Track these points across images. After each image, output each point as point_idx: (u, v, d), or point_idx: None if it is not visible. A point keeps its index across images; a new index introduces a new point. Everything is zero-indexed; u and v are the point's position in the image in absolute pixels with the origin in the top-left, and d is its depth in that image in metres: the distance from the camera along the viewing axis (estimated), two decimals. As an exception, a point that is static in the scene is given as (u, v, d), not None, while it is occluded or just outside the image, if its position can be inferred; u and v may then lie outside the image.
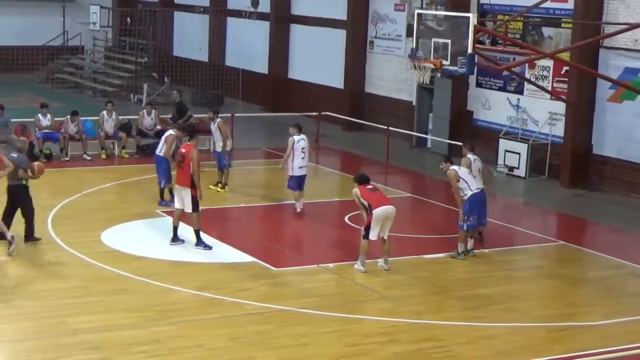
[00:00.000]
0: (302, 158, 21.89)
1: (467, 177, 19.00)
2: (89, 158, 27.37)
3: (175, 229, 19.03)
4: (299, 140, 21.83)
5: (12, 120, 27.19)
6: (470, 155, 20.42)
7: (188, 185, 18.73)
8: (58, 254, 18.17)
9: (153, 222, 20.72)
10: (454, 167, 19.14)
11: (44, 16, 49.17)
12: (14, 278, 16.76)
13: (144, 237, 19.63)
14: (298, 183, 22.01)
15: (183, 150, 19.11)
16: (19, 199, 18.53)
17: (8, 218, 18.58)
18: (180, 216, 19.00)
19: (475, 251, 19.09)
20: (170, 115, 29.43)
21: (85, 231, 19.53)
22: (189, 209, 18.77)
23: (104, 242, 18.99)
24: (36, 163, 18.79)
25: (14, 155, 18.46)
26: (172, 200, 20.32)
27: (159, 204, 22.00)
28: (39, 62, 45.90)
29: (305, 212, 22.18)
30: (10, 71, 44.64)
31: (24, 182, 18.43)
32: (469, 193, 18.79)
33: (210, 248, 18.81)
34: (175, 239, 19.02)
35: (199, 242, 18.86)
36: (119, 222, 20.45)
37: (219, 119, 24.09)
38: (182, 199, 18.84)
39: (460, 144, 25.71)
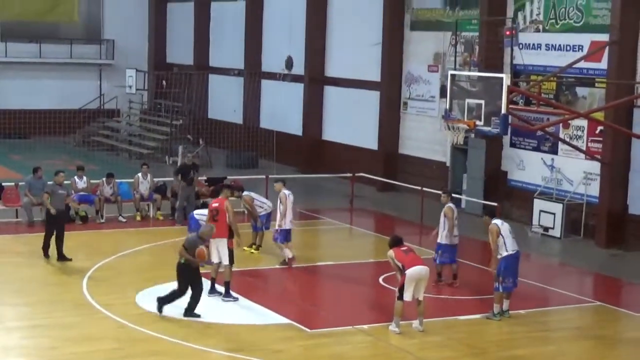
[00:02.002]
0: (292, 211, 22.70)
1: (507, 236, 18.68)
2: (124, 220, 27.54)
3: (213, 280, 19.49)
4: (289, 195, 22.43)
5: (49, 182, 27.43)
6: (451, 204, 20.66)
7: (225, 237, 19.26)
8: (93, 315, 18.22)
9: (188, 284, 20.75)
10: (497, 221, 18.86)
11: (81, 80, 49.89)
12: (49, 340, 16.81)
13: (179, 299, 19.63)
14: (287, 236, 22.57)
15: (215, 204, 19.64)
16: (177, 275, 18.38)
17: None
18: (217, 270, 19.44)
19: (510, 312, 18.93)
20: (204, 178, 29.60)
21: (120, 293, 19.59)
22: (225, 260, 19.21)
23: (139, 304, 19.02)
24: (200, 247, 18.10)
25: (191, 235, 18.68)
26: (208, 261, 20.41)
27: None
28: (76, 125, 46.48)
29: (339, 272, 22.28)
30: (47, 134, 45.17)
31: (182, 261, 18.16)
32: (504, 254, 18.55)
33: (237, 299, 19.23)
34: (213, 290, 19.43)
35: (227, 294, 19.30)
36: (154, 284, 20.46)
37: (244, 194, 24.16)
38: (219, 252, 19.28)
39: (495, 204, 25.78)
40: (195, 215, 22.30)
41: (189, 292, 18.11)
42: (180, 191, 27.62)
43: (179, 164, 36.57)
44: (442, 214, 21.30)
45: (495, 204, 25.68)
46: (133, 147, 43.46)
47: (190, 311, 18.15)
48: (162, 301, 18.22)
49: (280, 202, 22.40)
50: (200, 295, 18.18)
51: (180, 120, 43.52)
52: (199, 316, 18.06)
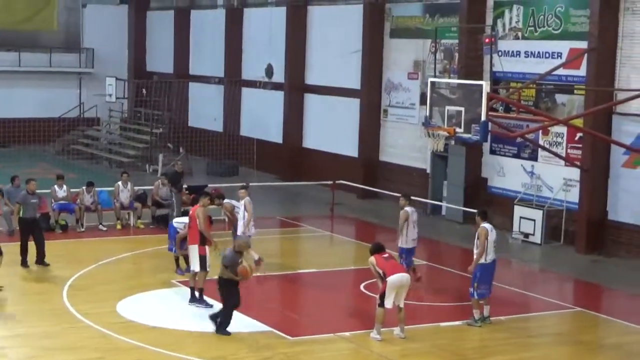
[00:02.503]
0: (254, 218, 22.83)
1: (491, 244, 18.73)
2: (105, 229, 27.46)
3: (192, 289, 19.58)
4: (251, 202, 22.60)
5: (22, 192, 27.30)
6: (408, 208, 21.10)
7: (196, 243, 19.36)
8: (74, 325, 18.15)
9: (169, 292, 20.71)
10: (487, 225, 18.83)
11: (61, 88, 49.72)
12: (29, 350, 16.74)
13: (160, 308, 19.61)
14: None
15: (191, 211, 19.92)
16: (221, 291, 17.97)
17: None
18: (195, 277, 19.54)
19: (491, 318, 18.97)
20: (185, 186, 29.56)
21: (101, 302, 19.53)
22: (196, 267, 19.29)
23: (120, 312, 18.96)
24: (242, 265, 17.69)
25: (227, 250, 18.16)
26: (188, 269, 20.42)
27: (176, 273, 22.03)
28: (55, 133, 46.32)
29: (320, 280, 22.33)
30: (27, 143, 45.00)
31: (224, 276, 17.66)
32: (482, 261, 18.64)
33: (211, 306, 18.99)
34: (193, 299, 19.48)
35: (201, 300, 19.31)
36: (135, 293, 20.44)
37: (224, 202, 24.16)
38: (193, 258, 19.44)
39: (476, 210, 25.82)
40: (174, 224, 22.26)
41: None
42: (174, 199, 27.50)
43: (159, 172, 36.55)
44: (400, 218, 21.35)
45: (475, 210, 25.69)
46: (113, 155, 43.35)
47: (222, 328, 17.70)
48: (222, 324, 17.83)
49: (245, 209, 22.50)
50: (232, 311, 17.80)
51: (160, 129, 43.45)
52: (229, 334, 17.61)
